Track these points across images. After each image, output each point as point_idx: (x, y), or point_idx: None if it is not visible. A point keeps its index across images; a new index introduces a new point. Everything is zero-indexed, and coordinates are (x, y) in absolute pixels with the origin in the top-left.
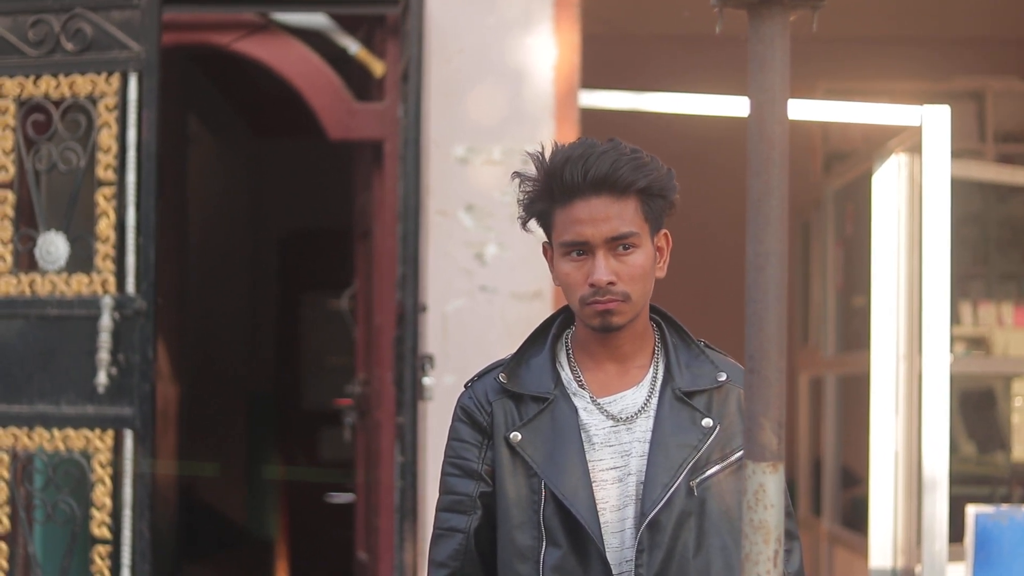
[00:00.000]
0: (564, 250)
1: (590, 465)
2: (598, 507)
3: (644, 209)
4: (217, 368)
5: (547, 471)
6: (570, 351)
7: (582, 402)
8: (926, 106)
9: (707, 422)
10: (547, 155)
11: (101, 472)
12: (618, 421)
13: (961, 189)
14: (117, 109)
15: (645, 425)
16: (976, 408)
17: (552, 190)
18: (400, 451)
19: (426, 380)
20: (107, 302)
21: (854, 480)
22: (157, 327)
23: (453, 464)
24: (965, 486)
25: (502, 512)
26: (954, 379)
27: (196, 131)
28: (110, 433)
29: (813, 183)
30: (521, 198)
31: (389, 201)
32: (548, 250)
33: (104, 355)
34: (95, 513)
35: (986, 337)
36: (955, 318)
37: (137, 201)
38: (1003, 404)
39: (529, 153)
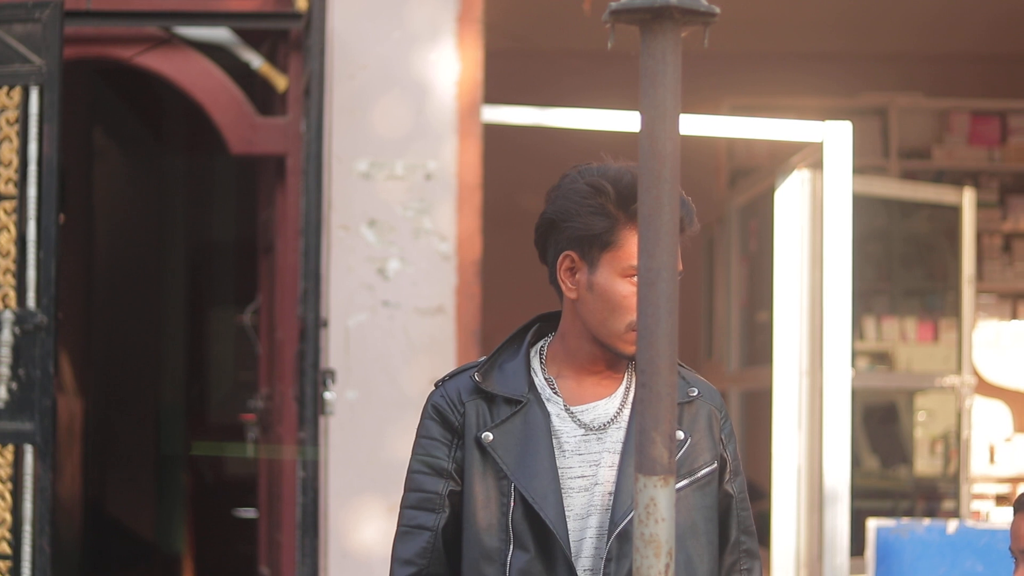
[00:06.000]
0: (630, 272)
1: (560, 472)
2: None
3: None
4: (125, 383)
5: (517, 474)
6: (544, 360)
7: (555, 408)
8: (828, 122)
9: (678, 434)
10: (617, 172)
11: (1, 487)
12: (589, 430)
13: (865, 205)
14: (18, 123)
15: (616, 436)
16: (879, 423)
17: (636, 211)
18: (301, 466)
19: (327, 395)
20: (7, 317)
21: (758, 495)
22: (58, 342)
23: (422, 462)
24: (868, 500)
25: (469, 513)
26: (857, 394)
27: (103, 144)
28: (10, 448)
29: (718, 199)
30: (575, 206)
31: (291, 216)
32: (575, 262)
33: (4, 370)
34: None
35: (889, 352)
36: (859, 333)
37: (38, 215)
38: (906, 419)
39: (602, 167)
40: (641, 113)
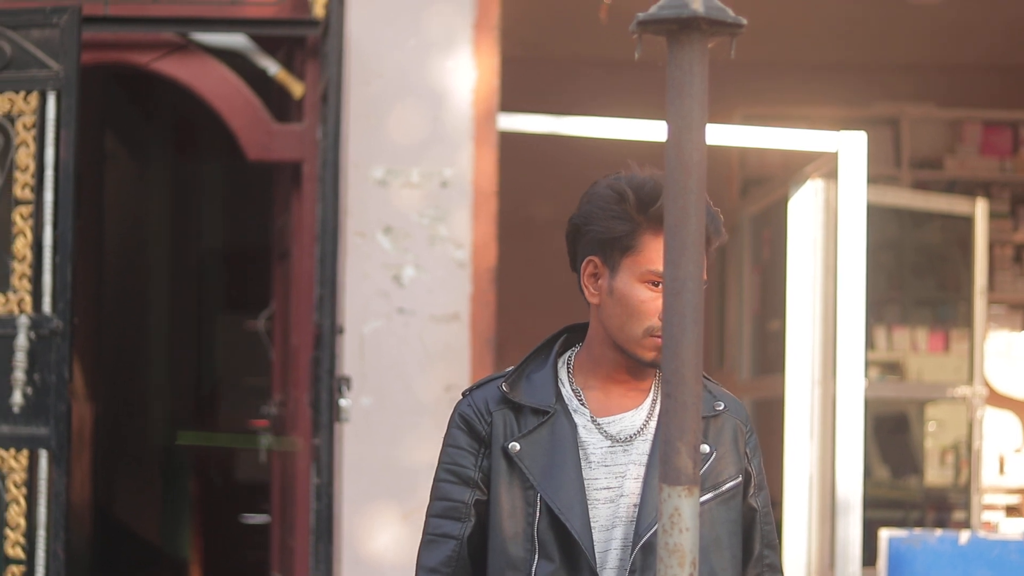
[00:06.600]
0: (648, 277)
1: (586, 483)
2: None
3: None
4: (134, 387)
5: (544, 484)
6: (571, 371)
7: (582, 419)
8: (843, 132)
9: (704, 448)
10: (641, 179)
11: (16, 492)
12: (616, 442)
13: (876, 215)
14: (35, 128)
15: (642, 448)
16: (890, 433)
17: (655, 216)
18: (316, 472)
19: (343, 402)
20: (23, 321)
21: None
22: (73, 347)
23: (449, 471)
24: (879, 510)
25: (495, 522)
26: (868, 404)
27: (113, 149)
28: (25, 453)
29: (730, 208)
30: (598, 211)
31: (307, 222)
32: (598, 267)
33: (20, 375)
34: (9, 533)
35: (900, 362)
36: (870, 343)
37: (55, 220)
38: (916, 429)
39: (628, 173)
40: (668, 123)
